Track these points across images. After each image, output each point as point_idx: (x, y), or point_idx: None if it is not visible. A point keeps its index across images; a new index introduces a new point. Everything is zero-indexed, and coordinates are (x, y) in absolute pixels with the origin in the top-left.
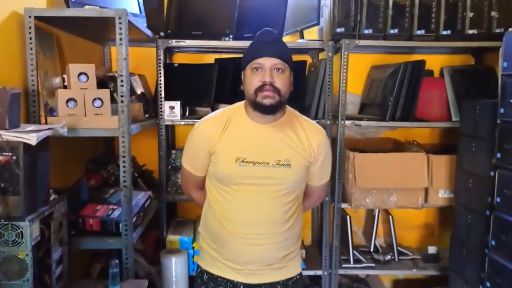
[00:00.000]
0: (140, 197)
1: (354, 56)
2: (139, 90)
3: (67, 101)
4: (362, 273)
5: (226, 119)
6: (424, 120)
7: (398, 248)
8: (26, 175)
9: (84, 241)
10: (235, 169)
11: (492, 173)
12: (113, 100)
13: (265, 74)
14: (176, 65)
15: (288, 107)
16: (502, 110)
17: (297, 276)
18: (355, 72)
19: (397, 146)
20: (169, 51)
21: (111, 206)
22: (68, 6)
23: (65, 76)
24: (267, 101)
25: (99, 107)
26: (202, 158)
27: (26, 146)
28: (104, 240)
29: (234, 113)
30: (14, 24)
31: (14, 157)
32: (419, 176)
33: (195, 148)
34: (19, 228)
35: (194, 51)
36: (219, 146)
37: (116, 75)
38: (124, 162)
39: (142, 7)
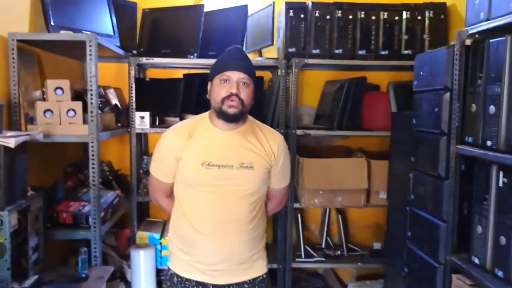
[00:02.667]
0: (110, 196)
1: (312, 72)
2: (115, 101)
3: (45, 111)
4: (312, 266)
5: (191, 127)
6: (368, 130)
7: (349, 244)
8: (6, 173)
9: (59, 233)
10: (201, 172)
11: (410, 175)
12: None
13: (232, 85)
14: (147, 79)
15: (248, 116)
16: (414, 121)
17: (264, 275)
18: (312, 86)
19: (348, 153)
20: (142, 67)
21: (82, 203)
22: (48, 30)
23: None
24: (231, 110)
25: (72, 117)
26: (170, 165)
27: (6, 148)
28: (75, 232)
29: (199, 122)
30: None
31: None
32: (360, 179)
33: (163, 156)
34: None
35: (165, 67)
36: (186, 153)
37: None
38: (93, 164)
39: (116, 29)
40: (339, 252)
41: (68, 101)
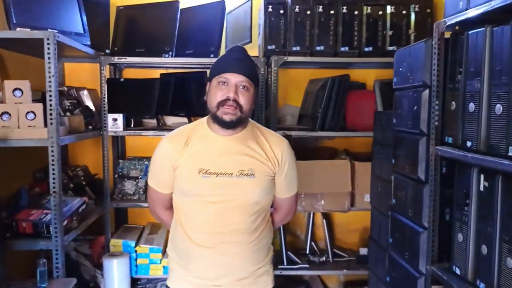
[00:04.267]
0: (75, 203)
1: (296, 70)
2: (88, 103)
3: (1, 114)
4: (295, 274)
5: (187, 134)
6: (352, 130)
7: (335, 250)
8: None
9: (18, 243)
10: (198, 180)
11: (392, 177)
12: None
13: (230, 89)
14: (122, 79)
15: (250, 120)
16: (394, 120)
17: None
18: (296, 85)
19: (333, 154)
20: (118, 67)
21: (45, 211)
22: (10, 28)
23: None
24: (227, 117)
25: (32, 120)
26: (166, 175)
27: None
28: (36, 242)
29: (195, 127)
30: None
31: None
32: (343, 182)
33: (158, 165)
34: None
35: (142, 66)
36: (182, 161)
37: (63, 90)
38: (53, 170)
39: (87, 27)
40: (324, 258)
41: (27, 103)
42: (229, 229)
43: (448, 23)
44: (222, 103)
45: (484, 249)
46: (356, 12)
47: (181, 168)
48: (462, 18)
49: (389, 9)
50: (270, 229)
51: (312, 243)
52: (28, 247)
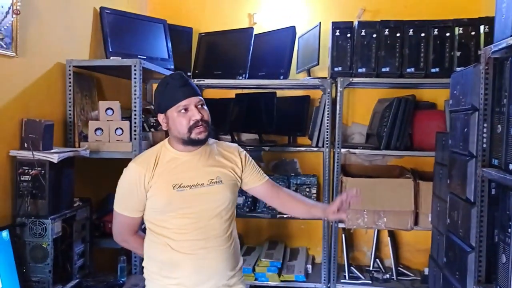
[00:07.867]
0: None
1: (365, 90)
2: None
3: (96, 130)
4: None
5: (155, 156)
6: (419, 149)
7: (401, 268)
8: (51, 185)
9: (103, 241)
10: (174, 195)
11: (448, 197)
12: (144, 129)
13: (194, 113)
14: None
15: None
16: (450, 141)
17: None
18: (365, 104)
19: (401, 173)
20: (199, 88)
21: None
22: (106, 56)
23: None
24: (202, 136)
25: (120, 135)
26: (137, 199)
27: (51, 163)
28: None
29: (161, 149)
30: (58, 72)
31: (42, 171)
32: (406, 200)
33: (129, 190)
34: (43, 224)
35: (219, 87)
36: (154, 181)
37: (150, 108)
38: None
39: (171, 52)
40: (387, 276)
41: (117, 121)
42: (208, 235)
43: (493, 49)
44: (193, 127)
45: None
46: (422, 34)
47: (155, 188)
48: (504, 45)
49: (457, 30)
50: (237, 240)
51: (377, 260)
52: (111, 246)
